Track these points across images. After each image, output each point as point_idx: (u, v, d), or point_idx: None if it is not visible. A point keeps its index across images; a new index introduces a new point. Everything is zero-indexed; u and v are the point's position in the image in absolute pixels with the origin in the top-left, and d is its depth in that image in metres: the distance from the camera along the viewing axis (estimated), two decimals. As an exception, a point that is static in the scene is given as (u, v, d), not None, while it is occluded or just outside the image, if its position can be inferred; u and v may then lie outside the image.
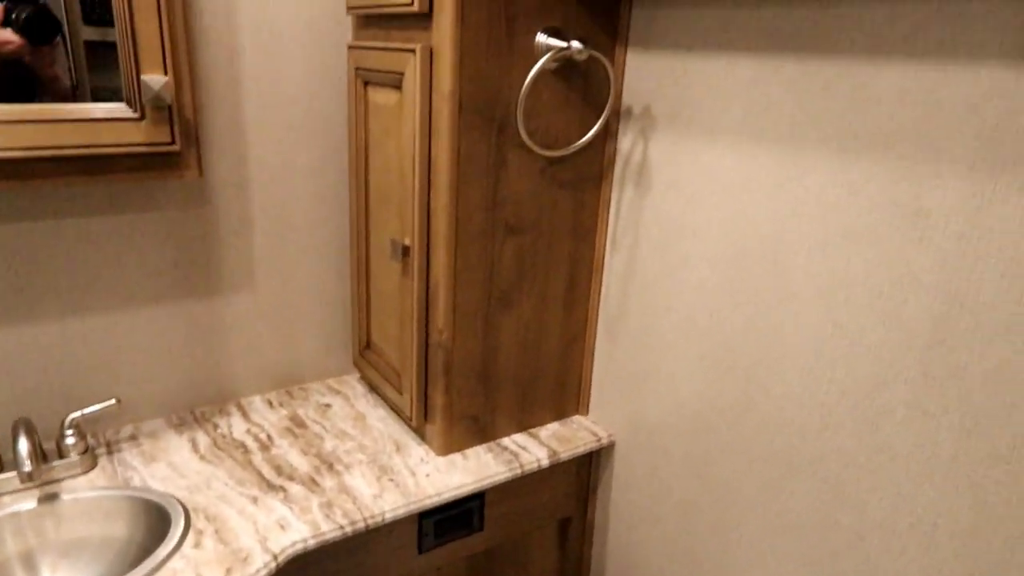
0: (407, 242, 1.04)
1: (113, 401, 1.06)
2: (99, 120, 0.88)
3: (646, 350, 1.11)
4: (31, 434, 0.92)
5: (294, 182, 1.20)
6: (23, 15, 0.86)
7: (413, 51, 0.94)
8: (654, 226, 1.06)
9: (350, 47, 1.12)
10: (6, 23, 0.85)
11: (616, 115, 1.08)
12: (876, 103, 0.76)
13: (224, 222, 1.15)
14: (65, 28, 0.88)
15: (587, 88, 1.04)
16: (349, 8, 1.10)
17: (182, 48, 0.92)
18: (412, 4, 0.93)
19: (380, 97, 1.07)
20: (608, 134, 1.10)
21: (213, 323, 1.20)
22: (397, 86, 1.01)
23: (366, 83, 1.10)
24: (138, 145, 0.91)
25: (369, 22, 1.10)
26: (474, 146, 0.97)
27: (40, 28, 0.87)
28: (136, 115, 0.90)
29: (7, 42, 0.86)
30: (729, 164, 0.93)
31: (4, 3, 0.85)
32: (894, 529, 0.80)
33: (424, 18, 0.94)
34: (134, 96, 0.89)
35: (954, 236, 0.71)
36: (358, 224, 1.19)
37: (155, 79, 0.89)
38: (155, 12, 0.87)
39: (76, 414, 1.03)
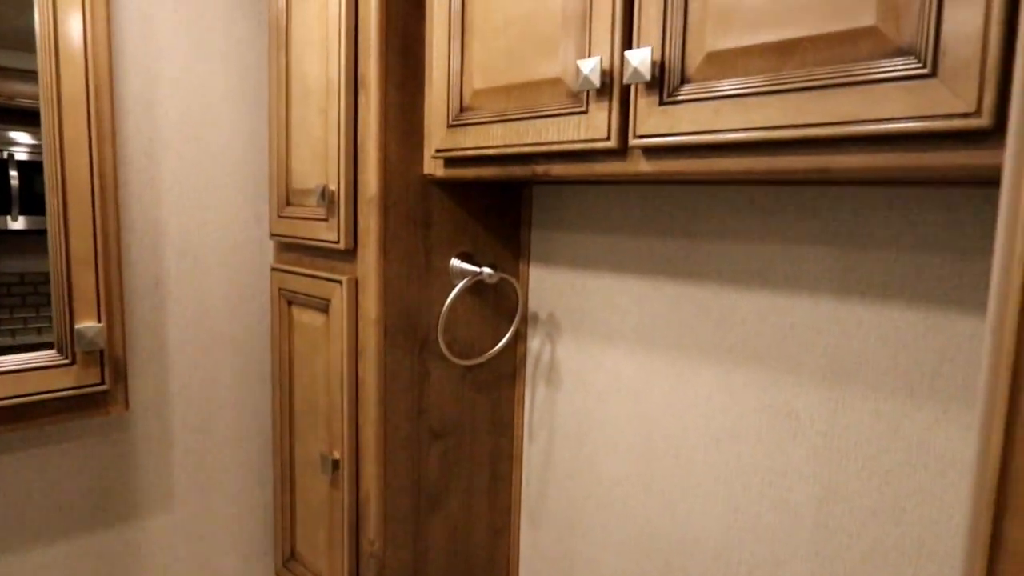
0: (336, 456, 1.07)
1: (15, 657, 0.98)
2: (27, 370, 0.90)
3: (569, 536, 1.17)
4: None
5: (217, 396, 1.22)
6: None
7: (340, 282, 1.03)
8: (567, 420, 1.16)
9: (274, 269, 1.20)
10: None
11: (524, 321, 1.21)
12: (743, 323, 0.92)
13: (143, 446, 1.14)
14: None
15: (498, 300, 1.17)
16: (272, 235, 1.19)
17: (116, 292, 0.96)
18: (339, 242, 1.03)
19: (306, 317, 1.14)
20: (519, 336, 1.21)
21: (126, 552, 1.15)
22: (323, 310, 1.09)
23: (290, 303, 1.17)
24: (67, 389, 0.92)
25: (291, 247, 1.19)
26: (399, 363, 1.05)
27: None
28: (67, 361, 0.92)
29: None
30: (629, 367, 1.06)
31: None
32: None
33: (349, 253, 1.04)
34: (66, 344, 0.92)
35: (820, 434, 0.85)
36: (282, 436, 1.22)
37: (90, 327, 0.92)
38: (92, 264, 0.92)
39: None
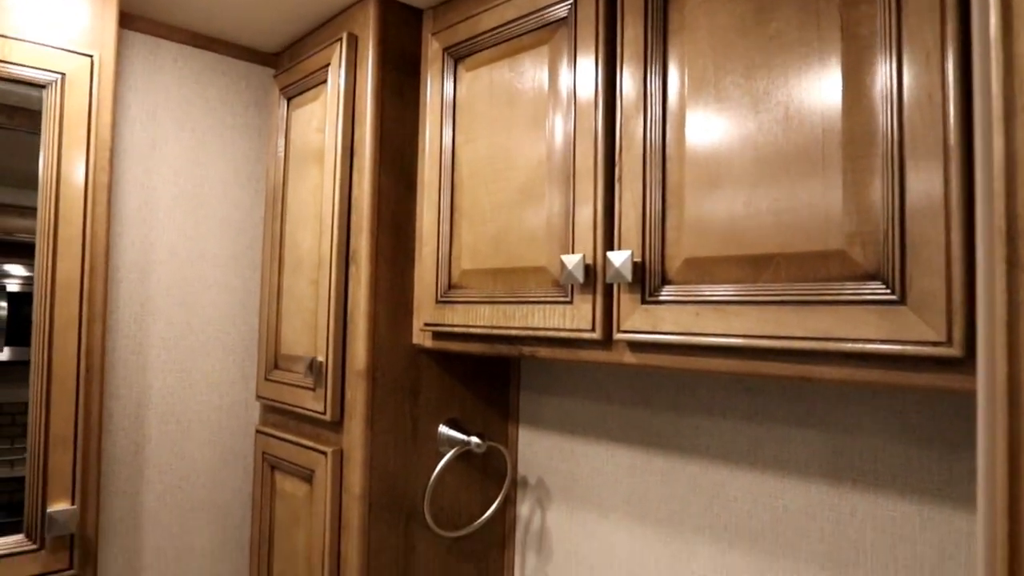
0: (314, 641, 1.01)
1: None
2: (-6, 557, 0.86)
3: None
4: None
5: (191, 568, 1.16)
6: None
7: (325, 454, 1.02)
8: (558, 595, 1.11)
9: (259, 431, 1.19)
10: None
11: (514, 485, 1.18)
12: (735, 501, 0.90)
13: (109, 624, 1.08)
14: None
15: (486, 464, 1.14)
16: (259, 397, 1.19)
17: (93, 471, 0.94)
18: (325, 413, 1.02)
19: (288, 485, 1.11)
20: (508, 501, 1.18)
21: None
22: (307, 479, 1.06)
23: (273, 468, 1.15)
24: (33, 577, 0.88)
25: (278, 411, 1.18)
26: (383, 539, 1.01)
27: None
28: (35, 547, 0.88)
29: None
30: (622, 539, 1.02)
31: None
32: None
33: (336, 424, 1.03)
34: (36, 529, 0.88)
35: (822, 631, 0.81)
36: (258, 610, 1.15)
37: (63, 511, 0.89)
38: (71, 446, 0.90)
39: None
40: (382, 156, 1.02)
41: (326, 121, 1.07)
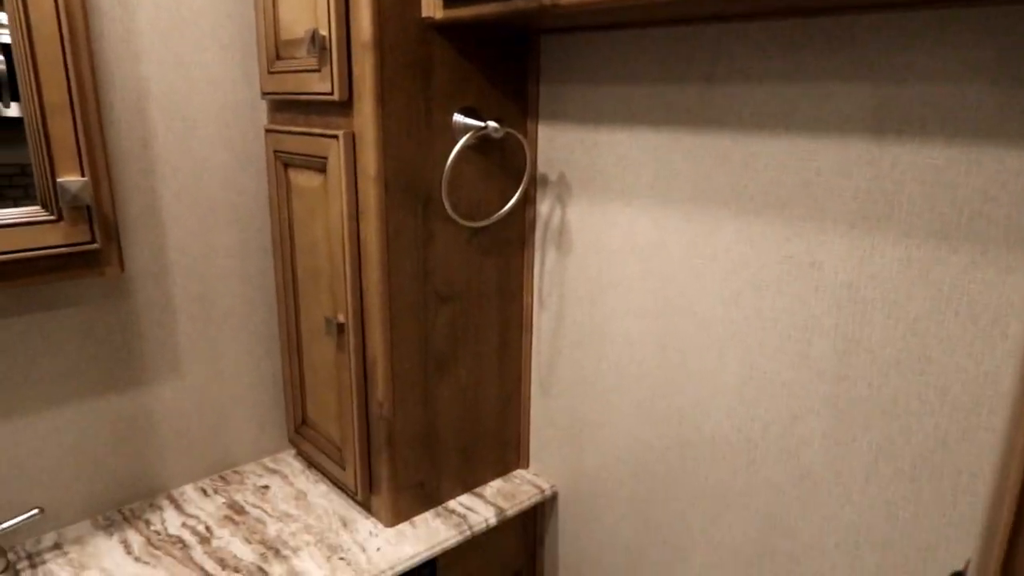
0: (341, 319, 1.05)
1: (36, 511, 1.01)
2: (13, 225, 0.86)
3: (581, 401, 1.16)
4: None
5: (217, 265, 1.19)
6: None
7: (336, 137, 0.97)
8: (578, 284, 1.12)
9: (267, 130, 1.14)
10: None
11: (533, 182, 1.15)
12: (764, 170, 0.85)
13: (145, 312, 1.13)
14: None
15: (504, 159, 1.10)
16: (264, 93, 1.12)
17: (98, 145, 0.91)
18: (332, 93, 0.96)
19: (302, 179, 1.09)
20: (527, 199, 1.16)
21: (138, 416, 1.16)
22: (320, 169, 1.03)
23: (286, 165, 1.12)
24: (57, 247, 0.89)
25: (285, 106, 1.12)
26: (402, 223, 1.00)
27: None
28: (53, 217, 0.88)
29: None
30: (644, 225, 1.00)
31: None
32: (823, 549, 0.88)
33: (345, 105, 0.97)
34: (50, 199, 0.87)
35: (844, 285, 0.80)
36: (286, 303, 1.19)
37: (73, 181, 0.87)
38: (68, 113, 0.86)
39: (-5, 530, 0.97)
40: None
41: None
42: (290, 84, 1.05)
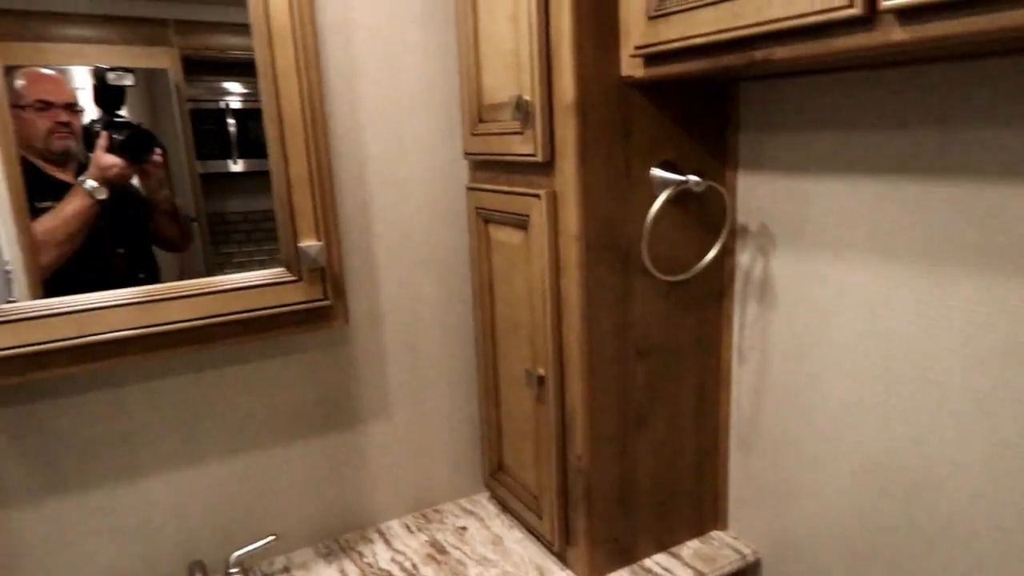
0: (541, 372, 1.08)
1: (273, 538, 1.12)
2: (263, 286, 0.98)
3: (786, 463, 1.09)
4: (207, 579, 0.98)
5: (422, 315, 1.27)
6: (120, 138, 0.97)
7: (538, 196, 1.01)
8: (783, 339, 1.06)
9: (469, 188, 1.21)
10: (110, 151, 0.96)
11: (732, 233, 1.11)
12: (1016, 222, 0.76)
13: (361, 358, 1.23)
14: (184, 166, 1.00)
15: (702, 210, 1.08)
16: (467, 154, 1.19)
17: (331, 213, 1.02)
18: (535, 155, 1.00)
19: (503, 235, 1.14)
20: (726, 250, 1.12)
21: (353, 453, 1.26)
22: (521, 226, 1.07)
23: (487, 221, 1.18)
24: (296, 304, 1.00)
25: (486, 165, 1.18)
26: (601, 278, 1.01)
27: (135, 146, 0.98)
28: (295, 278, 0.99)
29: (112, 165, 0.96)
30: (860, 279, 0.93)
31: (108, 132, 0.96)
32: (1102, 666, 0.75)
33: (547, 165, 1.01)
34: (292, 261, 0.99)
35: None
36: (485, 352, 1.25)
37: (312, 246, 0.98)
38: (309, 186, 0.97)
39: (240, 552, 1.09)
40: None
41: None
42: (493, 145, 1.11)
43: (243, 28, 0.96)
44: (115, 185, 0.97)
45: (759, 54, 0.77)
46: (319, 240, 1.00)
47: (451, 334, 1.31)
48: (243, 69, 0.99)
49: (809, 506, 1.06)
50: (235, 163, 1.05)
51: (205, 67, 1.02)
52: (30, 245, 0.89)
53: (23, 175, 0.89)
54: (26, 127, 0.92)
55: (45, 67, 0.93)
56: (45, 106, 0.93)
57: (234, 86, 1.04)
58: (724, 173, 1.10)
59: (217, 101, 1.04)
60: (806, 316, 1.02)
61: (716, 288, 1.13)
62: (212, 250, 1.04)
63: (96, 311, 0.88)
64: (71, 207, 0.94)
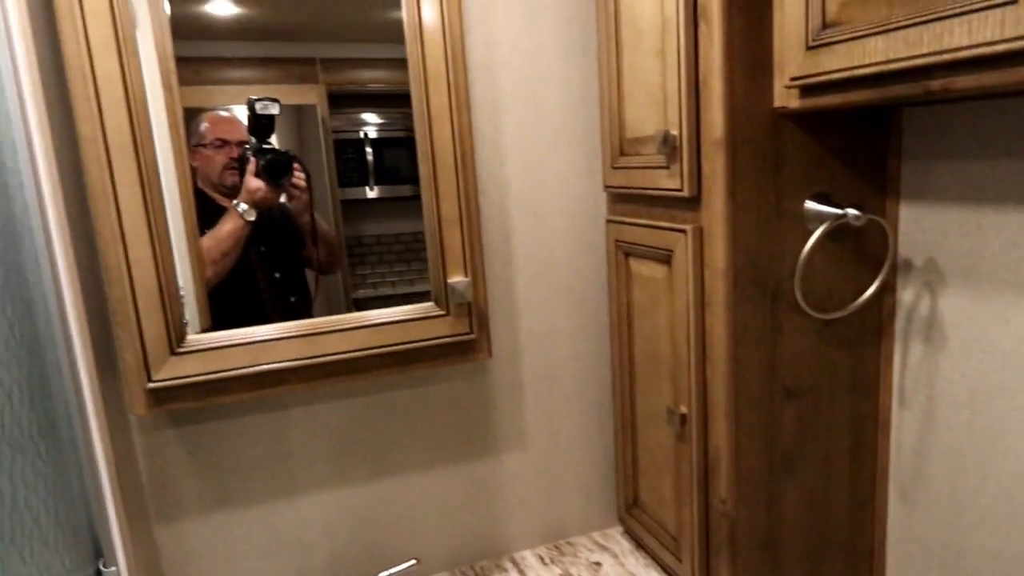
0: (684, 410, 1.05)
1: (414, 562, 1.16)
2: (413, 320, 1.02)
3: (956, 521, 1.00)
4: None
5: (559, 346, 1.28)
6: (263, 161, 1.04)
7: (684, 232, 0.99)
8: (954, 385, 0.97)
9: (609, 221, 1.21)
10: (256, 175, 1.04)
11: (894, 268, 1.04)
12: None
13: (499, 388, 1.25)
14: (328, 192, 1.07)
15: (859, 243, 1.02)
16: (607, 186, 1.19)
17: (478, 250, 1.05)
18: (682, 190, 0.98)
19: (644, 269, 1.12)
20: (886, 286, 1.05)
21: (488, 480, 1.28)
22: (664, 261, 1.06)
23: (627, 254, 1.17)
24: (443, 337, 1.04)
25: (626, 198, 1.18)
26: (749, 316, 0.98)
27: (274, 169, 1.04)
28: (443, 312, 1.03)
29: (258, 188, 1.03)
30: (1051, 323, 0.84)
31: (256, 158, 1.03)
32: None
33: (693, 200, 0.99)
34: (442, 297, 1.02)
35: None
36: (622, 385, 1.23)
37: (460, 282, 1.01)
38: (458, 225, 1.01)
39: (384, 574, 1.14)
40: None
41: None
42: (635, 179, 1.10)
43: (382, 62, 1.04)
44: (262, 207, 1.05)
45: (937, 84, 0.72)
46: (466, 276, 1.03)
47: (587, 365, 1.31)
48: (380, 100, 1.07)
49: (983, 570, 0.96)
50: (371, 190, 1.12)
51: (347, 100, 1.10)
52: (200, 272, 0.98)
53: (196, 206, 0.99)
54: (205, 163, 1.02)
55: (223, 109, 1.03)
56: (222, 144, 1.03)
57: (371, 116, 1.11)
58: (884, 204, 1.03)
59: (357, 131, 1.11)
60: (983, 361, 0.93)
61: (874, 326, 1.06)
62: (349, 271, 1.11)
63: (267, 343, 0.95)
64: (226, 227, 1.03)
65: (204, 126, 1.02)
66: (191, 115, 1.00)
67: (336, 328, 0.99)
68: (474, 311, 1.05)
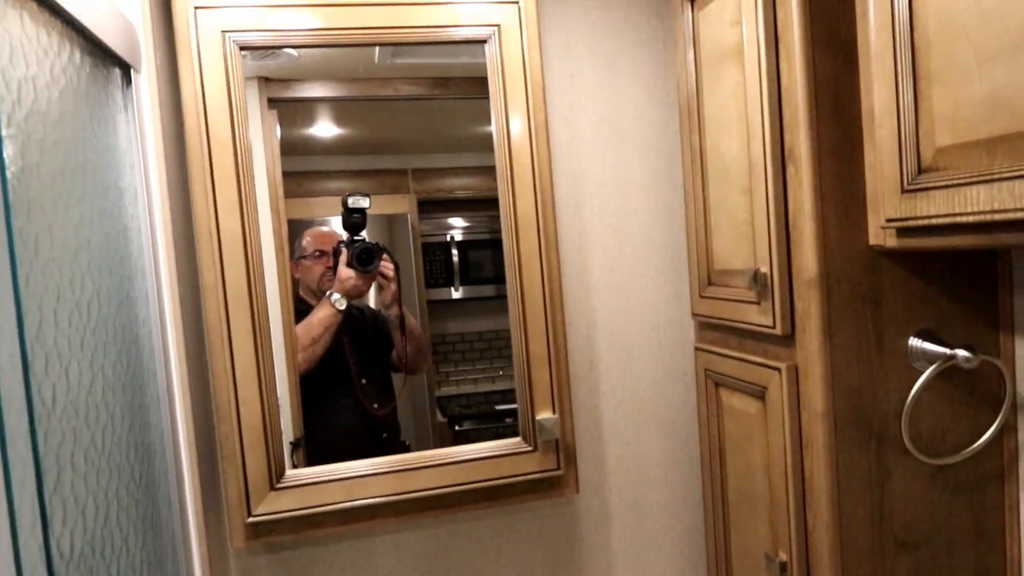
0: (783, 558, 0.99)
1: None
2: (501, 456, 1.03)
3: None
4: None
5: (647, 474, 1.24)
6: (353, 251, 1.10)
7: (778, 370, 0.96)
8: (1096, 543, 0.88)
9: (698, 348, 1.19)
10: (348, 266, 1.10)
11: (1014, 408, 0.97)
12: None
13: (585, 518, 1.22)
14: (415, 292, 1.12)
15: (973, 383, 0.96)
16: (695, 314, 1.18)
17: (565, 386, 1.05)
18: (774, 327, 0.96)
19: (736, 401, 1.09)
20: (1005, 428, 0.98)
21: (575, 617, 1.23)
22: (758, 396, 1.03)
23: (717, 384, 1.14)
24: (531, 473, 1.03)
25: (715, 328, 1.16)
26: (852, 460, 0.93)
27: (362, 256, 1.09)
28: (531, 448, 1.03)
29: (348, 277, 1.09)
30: None
31: (348, 250, 1.10)
32: None
33: (786, 338, 0.97)
34: (529, 433, 1.03)
35: None
36: (715, 523, 1.18)
37: (548, 419, 1.02)
38: (547, 363, 1.02)
39: None
40: (814, 32, 0.89)
41: (741, 9, 0.98)
42: (724, 310, 1.09)
43: (468, 170, 1.12)
44: (353, 295, 1.11)
45: (1048, 236, 0.69)
46: (554, 413, 1.03)
47: (677, 495, 1.26)
48: (464, 205, 1.14)
49: None
50: (456, 290, 1.15)
51: (435, 206, 1.16)
52: (296, 380, 1.03)
53: (295, 312, 1.07)
54: (305, 273, 1.12)
55: (320, 222, 1.12)
56: (321, 254, 1.12)
57: (457, 220, 1.16)
58: (998, 339, 0.97)
59: (444, 234, 1.17)
60: None
61: (995, 471, 0.98)
62: (433, 368, 1.14)
63: (361, 478, 0.98)
64: (318, 315, 1.09)
65: (306, 240, 1.12)
66: (292, 228, 1.09)
67: (427, 464, 1.00)
68: (561, 446, 1.04)
